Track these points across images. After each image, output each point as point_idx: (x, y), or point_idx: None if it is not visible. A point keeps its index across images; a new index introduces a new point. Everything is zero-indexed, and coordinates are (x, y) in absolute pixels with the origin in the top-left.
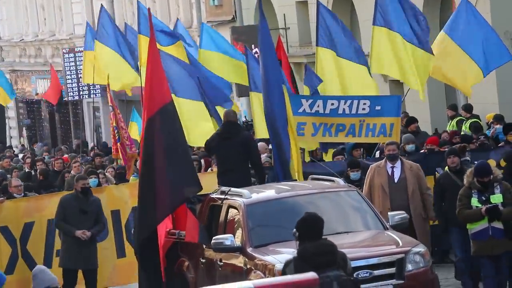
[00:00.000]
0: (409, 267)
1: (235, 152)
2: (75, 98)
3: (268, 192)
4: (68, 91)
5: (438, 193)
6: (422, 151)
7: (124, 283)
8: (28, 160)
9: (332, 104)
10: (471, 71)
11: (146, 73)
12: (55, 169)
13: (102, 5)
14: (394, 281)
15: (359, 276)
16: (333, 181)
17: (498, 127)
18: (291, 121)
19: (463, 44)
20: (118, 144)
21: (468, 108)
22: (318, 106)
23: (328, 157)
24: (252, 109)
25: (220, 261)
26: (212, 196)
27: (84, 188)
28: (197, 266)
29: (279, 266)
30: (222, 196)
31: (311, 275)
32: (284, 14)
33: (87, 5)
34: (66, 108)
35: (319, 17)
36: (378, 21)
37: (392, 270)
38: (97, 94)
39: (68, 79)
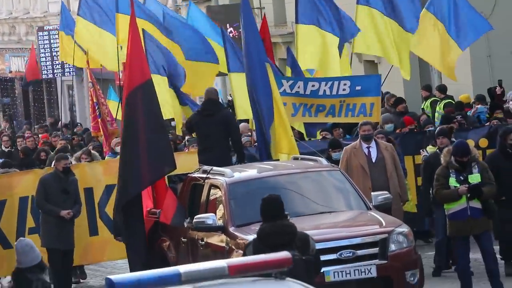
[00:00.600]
0: (392, 247)
1: (216, 130)
2: (49, 76)
3: (250, 171)
4: (42, 69)
5: (427, 173)
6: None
7: (97, 261)
8: (5, 138)
9: (313, 85)
10: (451, 48)
11: (127, 49)
12: (28, 147)
13: None
14: (377, 261)
15: (342, 255)
16: (316, 160)
17: (480, 107)
18: (277, 100)
19: (443, 20)
20: (99, 120)
21: (442, 88)
22: (298, 87)
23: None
24: (232, 90)
25: (202, 240)
26: (193, 175)
27: (66, 168)
28: (178, 245)
29: None
30: (204, 175)
31: (284, 254)
32: None
33: None
34: (40, 86)
35: None
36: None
37: (375, 250)
38: (71, 73)
39: (42, 57)
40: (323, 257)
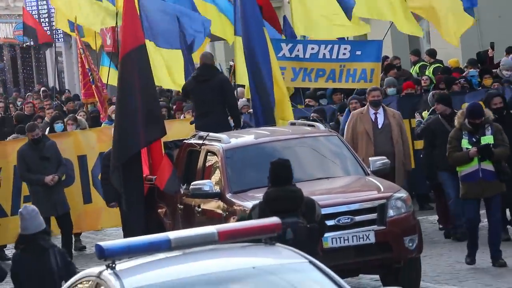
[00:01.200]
0: (391, 212)
1: (212, 95)
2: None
3: (247, 137)
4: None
5: (428, 138)
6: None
7: (90, 228)
8: (1, 105)
9: (312, 48)
10: (461, 16)
11: (122, 13)
12: (26, 113)
13: None
14: (375, 227)
15: (340, 222)
16: (313, 126)
17: (472, 70)
18: (274, 65)
19: None
20: (93, 86)
21: (432, 53)
22: (298, 51)
23: None
24: (235, 54)
25: (199, 207)
26: (190, 142)
27: (35, 140)
28: (174, 212)
29: None
30: (200, 142)
31: (274, 219)
32: None
33: None
34: (28, 53)
35: None
36: None
37: (373, 216)
38: (60, 39)
39: None
40: None
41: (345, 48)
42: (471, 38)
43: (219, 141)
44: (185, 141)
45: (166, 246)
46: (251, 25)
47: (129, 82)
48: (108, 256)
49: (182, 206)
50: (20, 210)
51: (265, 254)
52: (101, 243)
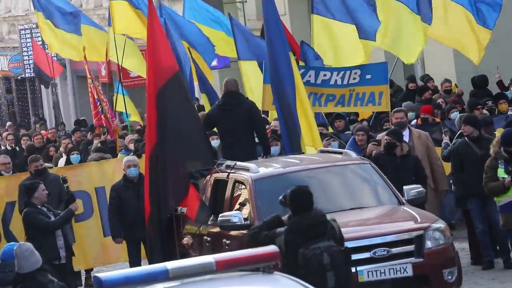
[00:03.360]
0: (429, 244)
1: (239, 124)
2: (32, 75)
3: (276, 166)
4: (25, 67)
5: (457, 162)
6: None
7: (112, 262)
8: (10, 137)
9: (325, 75)
10: (478, 31)
11: (148, 43)
12: (35, 145)
13: None
14: (413, 259)
15: (376, 254)
16: (343, 153)
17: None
18: (300, 90)
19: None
20: (102, 116)
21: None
22: (309, 76)
23: None
24: (242, 79)
25: (227, 239)
26: (216, 171)
27: (38, 170)
28: (201, 244)
29: None
30: (228, 171)
31: (272, 248)
32: None
33: None
34: (23, 84)
35: None
36: None
37: (410, 247)
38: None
39: (25, 55)
40: (355, 256)
41: (355, 73)
42: (466, 63)
43: (248, 170)
44: (211, 170)
45: (164, 276)
46: (278, 49)
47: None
48: None
49: (209, 238)
50: (15, 248)
51: (263, 283)
52: (99, 275)
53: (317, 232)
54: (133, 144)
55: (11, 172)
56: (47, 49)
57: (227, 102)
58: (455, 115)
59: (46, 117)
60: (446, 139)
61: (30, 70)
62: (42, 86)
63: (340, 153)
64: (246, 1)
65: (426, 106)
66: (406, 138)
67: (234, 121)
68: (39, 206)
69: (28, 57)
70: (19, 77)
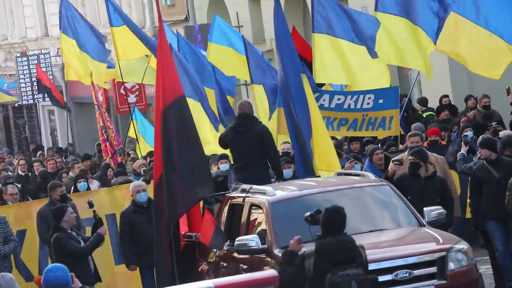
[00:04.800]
0: (451, 265)
1: (251, 147)
2: (29, 102)
3: (292, 189)
4: (22, 95)
5: (475, 185)
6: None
7: None
8: (22, 162)
9: (339, 99)
10: (499, 48)
11: (157, 65)
12: (49, 170)
13: None
14: (435, 281)
15: (398, 276)
16: (362, 175)
17: None
18: (315, 113)
19: (479, 20)
20: (107, 144)
21: (423, 101)
22: (324, 100)
23: None
24: (255, 102)
25: (244, 264)
26: (232, 195)
27: (62, 196)
28: (217, 270)
29: None
30: (243, 195)
31: (271, 272)
32: (237, 12)
33: (39, 8)
34: (20, 112)
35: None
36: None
37: (433, 269)
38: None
39: (22, 83)
40: None
41: (369, 98)
42: (462, 85)
43: (264, 193)
44: (226, 194)
45: None
46: (290, 71)
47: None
48: None
49: (225, 264)
50: None
51: None
52: None
53: (345, 257)
54: (144, 169)
55: (18, 201)
56: (51, 75)
57: (240, 124)
58: (469, 134)
59: (43, 144)
60: (464, 149)
61: (27, 97)
62: (40, 113)
63: (358, 175)
64: (242, 26)
65: (433, 129)
66: None
67: (246, 143)
68: (69, 231)
69: (25, 84)
70: (16, 104)
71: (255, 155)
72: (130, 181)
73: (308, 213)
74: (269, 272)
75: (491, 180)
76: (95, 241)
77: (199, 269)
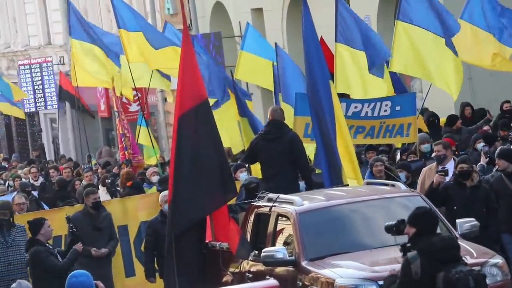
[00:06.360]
0: (472, 284)
1: (281, 155)
2: (31, 110)
3: (321, 199)
4: (25, 103)
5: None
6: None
7: None
8: (34, 170)
9: (356, 107)
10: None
11: (179, 69)
12: (64, 178)
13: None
14: None
15: None
16: (393, 185)
17: None
18: (341, 121)
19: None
20: (126, 152)
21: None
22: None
23: None
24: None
25: (270, 275)
26: (258, 204)
27: (95, 203)
28: (243, 281)
29: (340, 281)
30: (270, 204)
31: (272, 282)
32: (239, 22)
33: (42, 16)
34: (22, 120)
35: (338, 14)
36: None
37: None
38: (54, 106)
39: (24, 91)
40: None
41: (386, 105)
42: (464, 96)
43: (292, 203)
44: (252, 203)
45: None
46: (318, 78)
47: (190, 142)
48: None
49: (251, 275)
50: (13, 285)
51: None
52: None
53: (453, 255)
54: (156, 177)
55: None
56: (53, 83)
57: (270, 131)
58: (481, 145)
59: (46, 152)
60: (483, 160)
61: (30, 105)
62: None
63: (388, 184)
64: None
65: (447, 139)
66: (450, 171)
67: (275, 151)
68: (46, 244)
69: (28, 93)
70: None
71: (284, 164)
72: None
73: (390, 224)
74: (270, 282)
75: (506, 192)
76: (73, 258)
77: (223, 280)
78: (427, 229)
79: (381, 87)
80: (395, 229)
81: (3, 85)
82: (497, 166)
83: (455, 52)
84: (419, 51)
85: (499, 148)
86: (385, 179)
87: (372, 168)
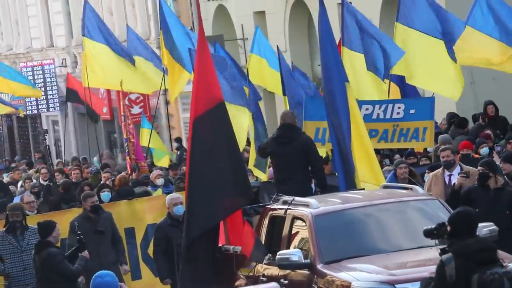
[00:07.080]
0: (507, 286)
1: (294, 158)
2: (33, 112)
3: (337, 201)
4: (27, 105)
5: None
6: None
7: None
8: (44, 171)
9: (367, 109)
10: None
11: (195, 71)
12: (73, 180)
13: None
14: None
15: None
16: (410, 188)
17: None
18: (359, 123)
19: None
20: (128, 157)
21: None
22: None
23: None
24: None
25: (285, 279)
26: (272, 207)
27: (94, 206)
28: (256, 284)
29: (356, 284)
30: (285, 207)
31: (273, 285)
32: (242, 25)
33: (44, 19)
34: (25, 122)
35: (344, 17)
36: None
37: None
38: (56, 108)
39: None
40: None
41: (399, 107)
42: (466, 100)
43: (307, 206)
44: (267, 206)
45: None
46: (334, 80)
47: (205, 145)
48: None
49: (265, 279)
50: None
51: None
52: None
53: (490, 257)
54: (160, 180)
55: (35, 212)
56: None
57: (283, 134)
58: (484, 150)
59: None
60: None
61: (32, 107)
62: (44, 123)
63: (405, 188)
64: (247, 39)
65: (465, 142)
66: (455, 178)
67: (289, 154)
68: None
69: None
70: (20, 115)
71: (297, 167)
72: (148, 193)
73: (430, 227)
74: (271, 285)
75: None
76: (83, 264)
77: (236, 283)
78: (463, 231)
79: (380, 89)
80: (436, 232)
81: (20, 77)
82: None
83: (454, 58)
84: (416, 56)
85: (504, 152)
86: (407, 183)
87: (396, 170)
